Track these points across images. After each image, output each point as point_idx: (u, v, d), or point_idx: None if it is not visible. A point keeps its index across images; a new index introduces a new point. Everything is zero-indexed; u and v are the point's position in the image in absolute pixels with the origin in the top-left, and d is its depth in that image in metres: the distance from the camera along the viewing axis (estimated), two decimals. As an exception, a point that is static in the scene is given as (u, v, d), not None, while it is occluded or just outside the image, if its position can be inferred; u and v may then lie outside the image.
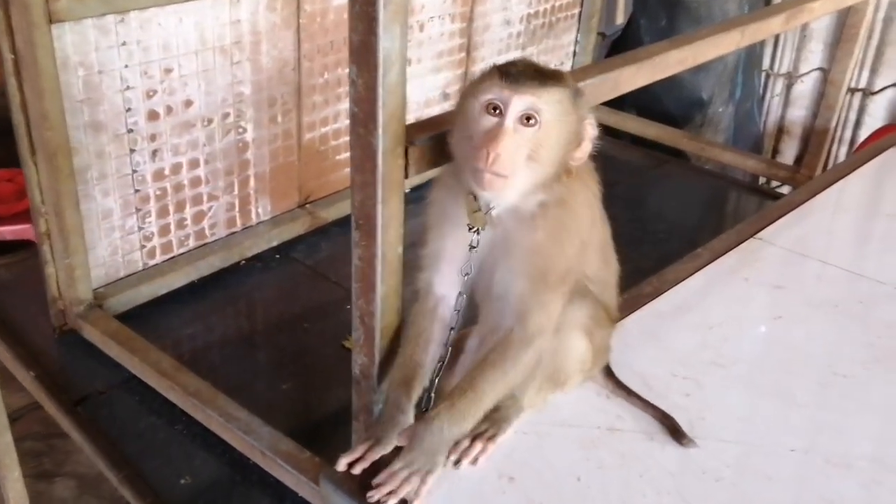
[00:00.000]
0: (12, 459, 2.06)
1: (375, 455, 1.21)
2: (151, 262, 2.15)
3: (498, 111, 1.10)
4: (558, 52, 3.18)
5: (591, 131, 1.18)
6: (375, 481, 1.16)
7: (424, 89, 2.70)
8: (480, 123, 1.11)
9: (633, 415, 1.37)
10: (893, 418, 1.41)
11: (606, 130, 3.39)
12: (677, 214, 2.83)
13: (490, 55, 2.87)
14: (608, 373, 1.43)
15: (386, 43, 1.05)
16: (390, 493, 1.14)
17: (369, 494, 1.14)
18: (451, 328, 1.28)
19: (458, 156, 1.17)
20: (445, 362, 1.28)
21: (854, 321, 1.67)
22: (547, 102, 1.10)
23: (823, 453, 1.31)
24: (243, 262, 2.34)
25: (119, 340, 1.86)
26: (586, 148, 1.18)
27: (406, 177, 1.17)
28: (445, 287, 1.26)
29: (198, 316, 2.13)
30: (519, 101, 1.09)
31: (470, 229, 1.20)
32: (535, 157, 1.11)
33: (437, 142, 1.20)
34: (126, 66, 1.92)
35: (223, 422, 1.62)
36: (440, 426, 1.16)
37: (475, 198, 1.17)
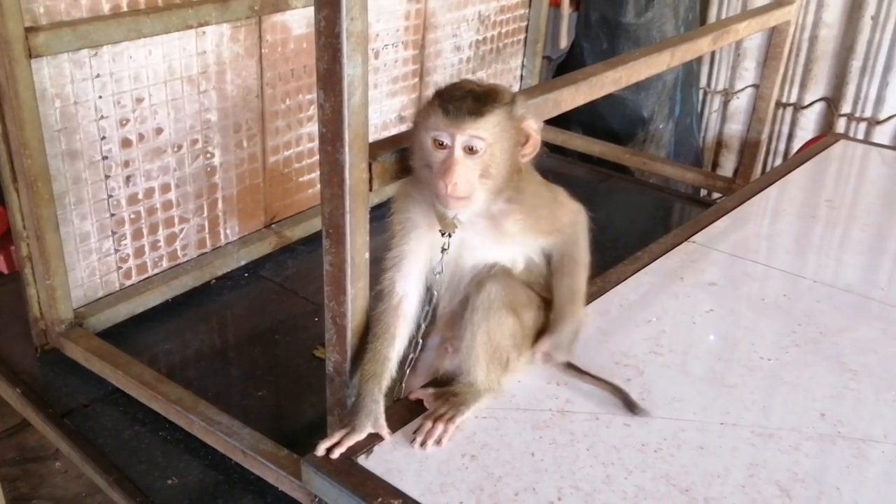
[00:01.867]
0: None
1: (350, 441, 1.34)
2: (128, 283, 2.26)
3: (444, 145, 1.26)
4: (506, 76, 3.35)
5: (533, 128, 1.33)
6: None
7: (381, 113, 2.84)
8: (434, 155, 1.28)
9: (582, 398, 1.52)
10: (810, 394, 1.58)
11: (554, 148, 3.55)
12: (623, 225, 3.00)
13: (442, 80, 3.03)
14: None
15: (349, 70, 1.20)
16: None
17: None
18: (421, 323, 1.42)
19: (420, 177, 1.33)
20: (416, 355, 1.42)
21: (778, 312, 1.85)
22: (486, 130, 1.26)
23: (749, 426, 1.48)
24: (214, 280, 2.45)
25: (101, 356, 1.96)
26: (534, 144, 1.34)
27: (370, 189, 1.32)
28: (408, 286, 1.41)
29: (174, 332, 2.23)
30: (461, 137, 1.25)
31: (442, 234, 1.36)
32: (487, 174, 1.28)
33: (397, 158, 1.35)
34: (100, 97, 2.03)
35: (205, 426, 1.73)
36: (562, 329, 1.48)
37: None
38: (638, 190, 3.39)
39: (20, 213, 1.93)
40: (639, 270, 1.99)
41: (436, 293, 1.42)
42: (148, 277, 2.31)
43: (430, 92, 3.07)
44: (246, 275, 2.52)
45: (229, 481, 1.74)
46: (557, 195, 1.47)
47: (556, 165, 3.31)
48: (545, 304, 1.51)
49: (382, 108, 2.84)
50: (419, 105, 2.92)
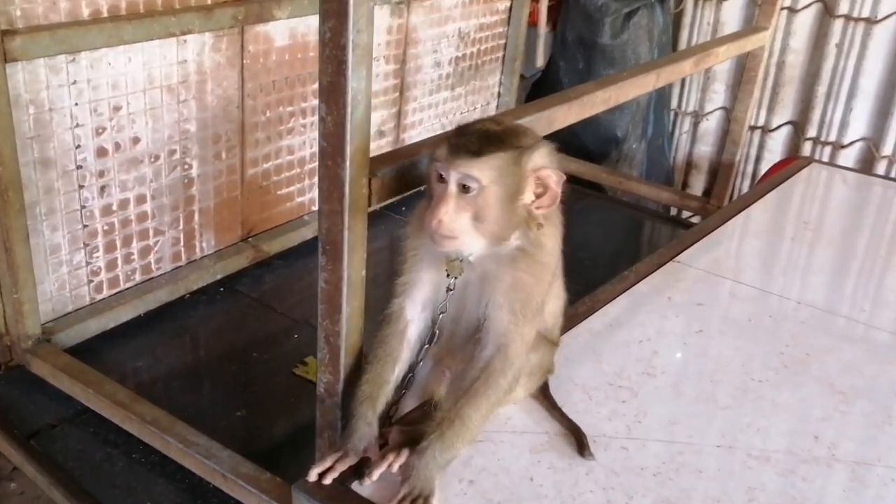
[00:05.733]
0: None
1: (343, 466, 1.30)
2: (99, 297, 2.17)
3: (443, 179, 1.23)
4: (484, 93, 3.35)
5: (552, 179, 1.25)
6: None
7: (362, 127, 2.80)
8: (435, 188, 1.24)
9: (577, 421, 1.49)
10: (802, 416, 1.58)
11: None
12: (599, 243, 3.01)
13: (422, 95, 3.02)
14: (543, 387, 1.55)
15: (354, 83, 1.16)
16: None
17: None
18: (424, 346, 1.38)
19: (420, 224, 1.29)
20: (411, 381, 1.38)
21: (765, 333, 1.86)
22: (482, 171, 1.19)
23: (745, 448, 1.47)
24: (189, 295, 2.38)
25: (70, 374, 1.88)
26: (552, 196, 1.26)
27: (369, 206, 1.28)
28: (416, 313, 1.37)
29: (146, 349, 2.15)
30: (455, 173, 1.20)
31: (448, 275, 1.31)
32: (480, 217, 1.22)
33: (397, 173, 1.32)
34: (76, 105, 1.96)
35: (182, 448, 1.66)
36: (432, 455, 1.26)
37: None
38: (612, 208, 3.41)
39: (-11, 223, 1.84)
40: (626, 290, 1.98)
41: (437, 330, 1.37)
42: (120, 291, 2.23)
43: (409, 107, 3.09)
44: (222, 289, 2.45)
45: (208, 506, 1.67)
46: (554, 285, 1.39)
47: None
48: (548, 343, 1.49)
49: (362, 122, 2.80)
50: (399, 120, 2.96)
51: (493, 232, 1.25)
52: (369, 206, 1.28)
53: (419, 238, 1.33)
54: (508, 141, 1.24)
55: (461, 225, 1.22)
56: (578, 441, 1.43)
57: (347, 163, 1.20)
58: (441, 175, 1.23)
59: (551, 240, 1.32)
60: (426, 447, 1.26)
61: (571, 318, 1.81)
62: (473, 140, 1.22)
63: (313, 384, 1.41)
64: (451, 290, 1.32)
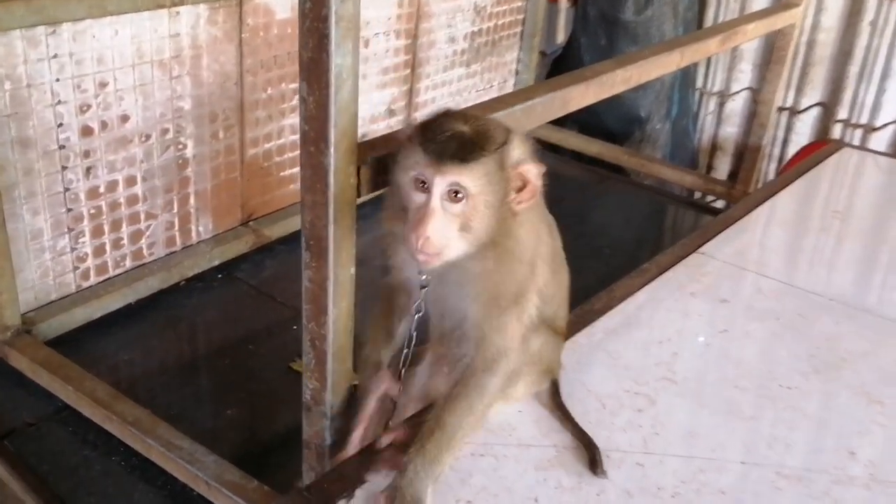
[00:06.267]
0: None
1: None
2: (85, 284, 2.07)
3: (425, 185, 1.10)
4: (501, 70, 3.20)
5: (532, 173, 1.15)
6: None
7: (370, 105, 2.68)
8: (411, 196, 1.11)
9: (589, 432, 1.36)
10: (837, 429, 1.44)
11: (550, 147, 3.44)
12: (620, 229, 2.88)
13: (435, 72, 2.87)
14: (553, 392, 1.42)
15: (338, 59, 1.03)
16: None
17: None
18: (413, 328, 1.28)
19: (394, 220, 1.17)
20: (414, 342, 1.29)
21: (795, 333, 1.71)
22: (471, 178, 1.08)
23: (773, 466, 1.33)
24: (183, 282, 2.27)
25: (50, 368, 1.77)
26: (532, 191, 1.16)
27: (358, 196, 1.15)
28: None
29: (136, 340, 2.05)
30: (442, 181, 1.08)
31: (420, 273, 1.20)
32: (468, 226, 1.11)
33: (389, 161, 1.18)
34: (57, 80, 1.84)
35: (164, 451, 1.56)
36: (415, 472, 1.14)
37: None
38: (633, 192, 3.27)
39: (-38, 207, 1.73)
40: (646, 284, 1.83)
41: (413, 332, 1.27)
42: (109, 278, 2.12)
43: (422, 84, 2.96)
44: (219, 276, 2.34)
45: (191, 514, 1.56)
46: (535, 271, 1.25)
47: (551, 165, 3.15)
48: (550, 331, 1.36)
49: (372, 100, 2.68)
50: (411, 98, 2.83)
51: (479, 238, 1.13)
52: (358, 196, 1.15)
53: (393, 232, 1.20)
54: (486, 140, 1.11)
55: (449, 239, 1.10)
56: (591, 456, 1.30)
57: (332, 149, 1.07)
58: (422, 181, 1.09)
59: (525, 228, 1.20)
60: (408, 463, 1.15)
61: (585, 316, 1.68)
62: (452, 143, 1.09)
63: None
64: (426, 286, 1.21)
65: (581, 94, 1.59)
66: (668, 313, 1.76)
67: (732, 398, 1.49)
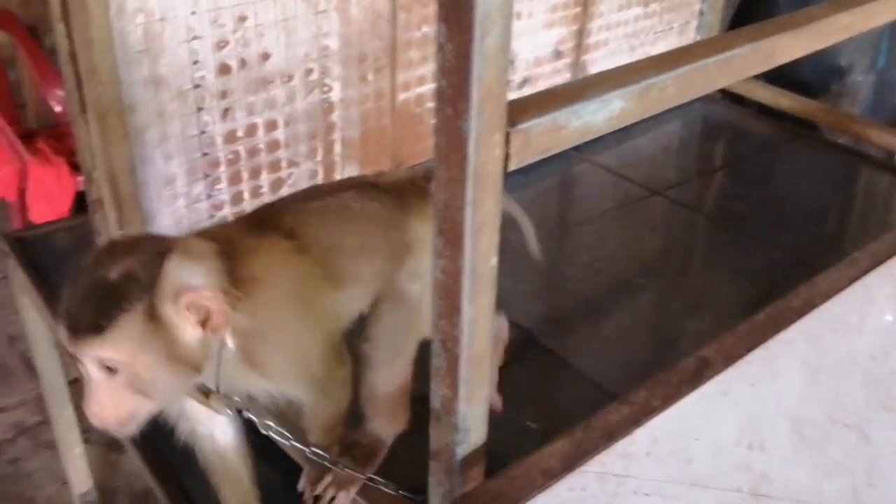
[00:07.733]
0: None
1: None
2: (221, 233, 1.98)
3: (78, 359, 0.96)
4: (683, 11, 2.81)
5: (209, 301, 0.96)
6: None
7: (535, 46, 2.40)
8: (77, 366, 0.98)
9: (784, 469, 1.08)
10: None
11: (733, 98, 3.02)
12: (809, 196, 2.47)
13: (609, 10, 2.55)
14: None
15: (486, -5, 0.78)
16: None
17: None
18: None
19: None
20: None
21: None
22: (113, 349, 0.93)
23: None
24: (323, 235, 2.14)
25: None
26: (221, 317, 0.97)
27: (506, 170, 0.91)
28: None
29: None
30: (84, 357, 0.95)
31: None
32: (141, 390, 0.97)
33: (548, 124, 0.93)
34: (193, 13, 1.70)
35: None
36: None
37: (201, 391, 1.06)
38: (828, 153, 2.80)
39: (89, 150, 1.65)
40: (857, 279, 1.48)
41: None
42: (246, 228, 2.02)
43: (594, 24, 2.64)
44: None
45: None
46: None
47: (734, 118, 2.76)
48: None
49: (537, 41, 2.39)
50: (581, 39, 2.52)
51: (169, 392, 1.01)
52: (506, 171, 0.91)
53: None
54: (125, 291, 0.92)
55: (124, 405, 0.97)
56: None
57: (473, 112, 0.83)
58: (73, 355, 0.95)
59: (270, 305, 1.06)
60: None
61: (780, 315, 1.37)
62: (85, 308, 0.93)
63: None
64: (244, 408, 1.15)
65: (789, 46, 1.24)
66: (882, 317, 1.42)
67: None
